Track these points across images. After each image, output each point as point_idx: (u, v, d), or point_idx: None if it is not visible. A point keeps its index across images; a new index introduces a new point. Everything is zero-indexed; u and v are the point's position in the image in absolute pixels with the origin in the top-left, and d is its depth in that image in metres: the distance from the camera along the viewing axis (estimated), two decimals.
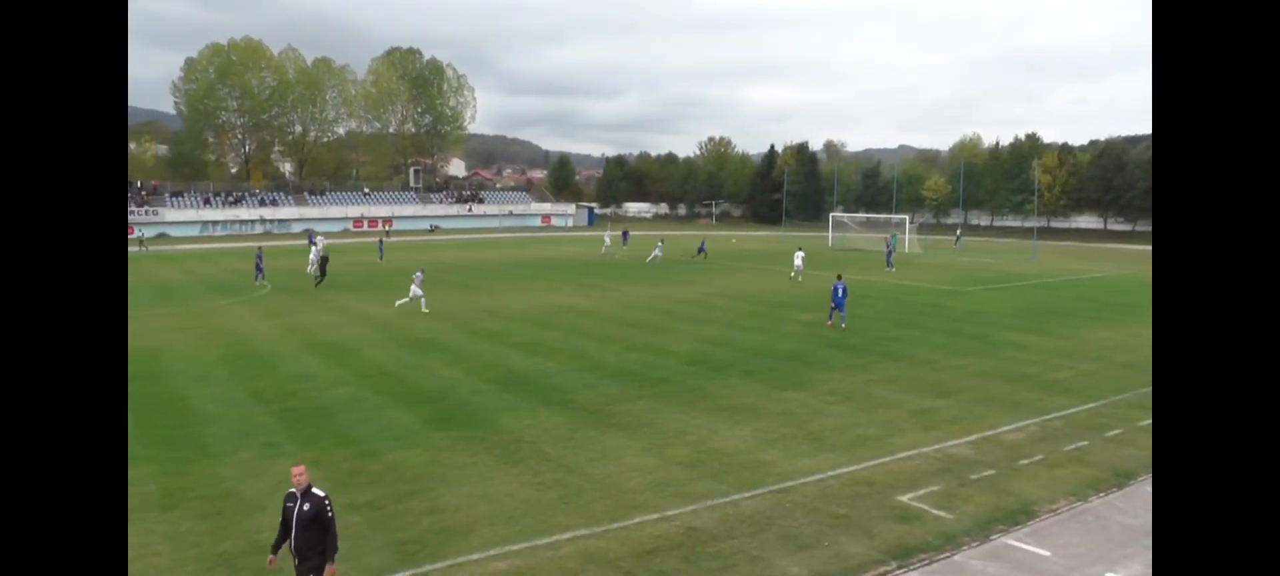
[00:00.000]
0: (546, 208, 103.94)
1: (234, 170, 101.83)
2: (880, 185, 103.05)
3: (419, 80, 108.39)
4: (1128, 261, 56.65)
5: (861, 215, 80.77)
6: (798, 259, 43.80)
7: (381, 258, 52.34)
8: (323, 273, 39.56)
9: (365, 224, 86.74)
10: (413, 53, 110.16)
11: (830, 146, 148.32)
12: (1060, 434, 16.17)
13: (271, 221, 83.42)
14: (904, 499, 12.64)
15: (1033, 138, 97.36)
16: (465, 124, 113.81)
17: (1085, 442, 15.54)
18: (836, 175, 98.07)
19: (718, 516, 11.93)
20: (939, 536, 11.33)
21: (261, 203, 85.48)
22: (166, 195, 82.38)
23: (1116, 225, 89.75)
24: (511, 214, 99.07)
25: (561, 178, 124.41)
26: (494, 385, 19.50)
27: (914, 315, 31.11)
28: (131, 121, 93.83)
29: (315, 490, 8.63)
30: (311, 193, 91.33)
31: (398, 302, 31.75)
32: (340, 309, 31.61)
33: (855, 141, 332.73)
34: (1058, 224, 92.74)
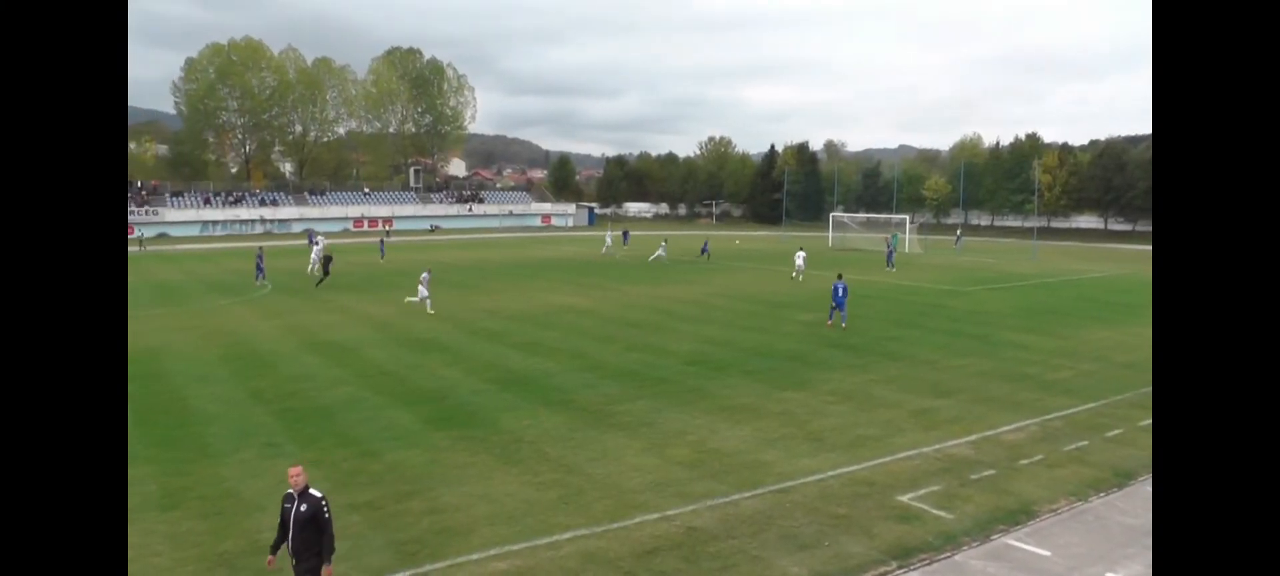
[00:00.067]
0: (547, 207, 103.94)
1: (234, 170, 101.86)
2: (880, 185, 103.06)
3: (419, 80, 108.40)
4: (1128, 261, 56.65)
5: (862, 215, 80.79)
6: (799, 259, 43.84)
7: (383, 257, 52.32)
8: (326, 272, 39.58)
9: (365, 224, 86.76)
10: (413, 52, 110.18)
11: (830, 146, 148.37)
12: (1060, 434, 16.17)
13: (272, 221, 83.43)
14: (904, 499, 12.64)
15: (1033, 138, 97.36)
16: (465, 124, 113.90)
17: (1085, 442, 15.54)
18: (837, 175, 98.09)
19: (718, 516, 11.93)
20: (939, 536, 11.33)
21: (262, 203, 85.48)
22: (166, 195, 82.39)
23: (1117, 225, 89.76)
24: (512, 214, 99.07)
25: (562, 177, 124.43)
26: (494, 385, 19.50)
27: (914, 315, 31.11)
28: (131, 121, 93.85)
29: (312, 491, 8.63)
30: (312, 193, 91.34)
31: (408, 299, 31.99)
32: (341, 309, 31.62)
33: (855, 141, 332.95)
34: (1058, 224, 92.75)
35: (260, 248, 47.10)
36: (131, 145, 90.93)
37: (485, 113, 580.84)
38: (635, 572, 10.24)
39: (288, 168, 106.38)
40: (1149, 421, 16.23)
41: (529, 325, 27.93)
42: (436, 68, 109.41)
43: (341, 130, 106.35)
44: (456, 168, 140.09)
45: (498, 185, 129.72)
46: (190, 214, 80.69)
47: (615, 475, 13.53)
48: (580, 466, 13.92)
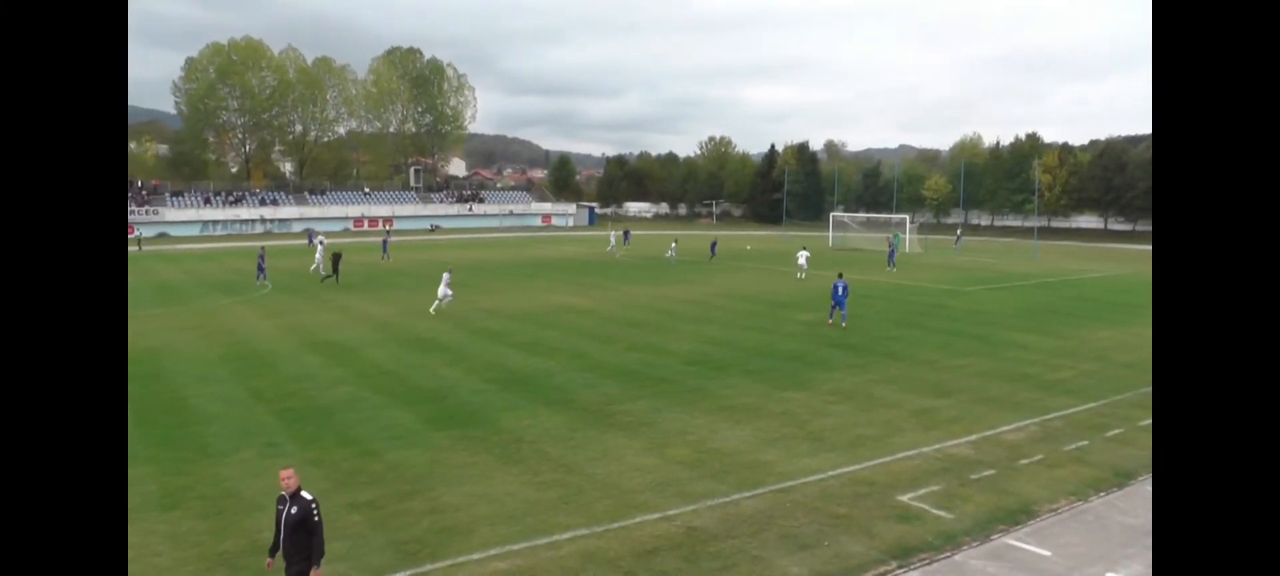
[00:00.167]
0: (547, 207, 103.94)
1: (234, 170, 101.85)
2: (880, 185, 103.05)
3: (419, 80, 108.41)
4: (1128, 261, 56.64)
5: (862, 215, 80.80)
6: (802, 258, 43.94)
7: (386, 257, 52.25)
8: (335, 271, 39.62)
9: (365, 223, 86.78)
10: (413, 52, 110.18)
11: (830, 146, 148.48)
12: (1061, 433, 16.17)
13: (272, 221, 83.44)
14: (904, 499, 12.64)
15: (1033, 137, 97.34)
16: (465, 124, 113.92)
17: (1086, 442, 15.54)
18: (837, 175, 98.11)
19: (718, 516, 11.93)
20: (939, 536, 11.33)
21: (262, 202, 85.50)
22: (167, 195, 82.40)
23: (1117, 225, 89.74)
24: (512, 213, 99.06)
25: (562, 177, 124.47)
26: (494, 385, 19.51)
27: (914, 315, 31.11)
28: (132, 121, 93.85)
29: (304, 493, 8.59)
30: (312, 192, 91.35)
31: (433, 308, 30.82)
32: (341, 309, 31.62)
33: (855, 141, 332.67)
34: (1058, 224, 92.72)
35: (262, 247, 47.11)
36: (132, 145, 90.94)
37: (485, 113, 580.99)
38: (635, 572, 10.24)
39: (288, 167, 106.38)
40: (1149, 421, 16.23)
41: (529, 325, 27.93)
42: (437, 67, 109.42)
43: (341, 130, 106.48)
44: (457, 167, 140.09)
45: (498, 185, 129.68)
46: (190, 214, 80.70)
47: (616, 475, 13.53)
48: (581, 466, 13.92)
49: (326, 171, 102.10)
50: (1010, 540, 11.30)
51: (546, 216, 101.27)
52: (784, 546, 10.98)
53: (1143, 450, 14.80)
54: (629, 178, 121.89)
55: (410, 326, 27.50)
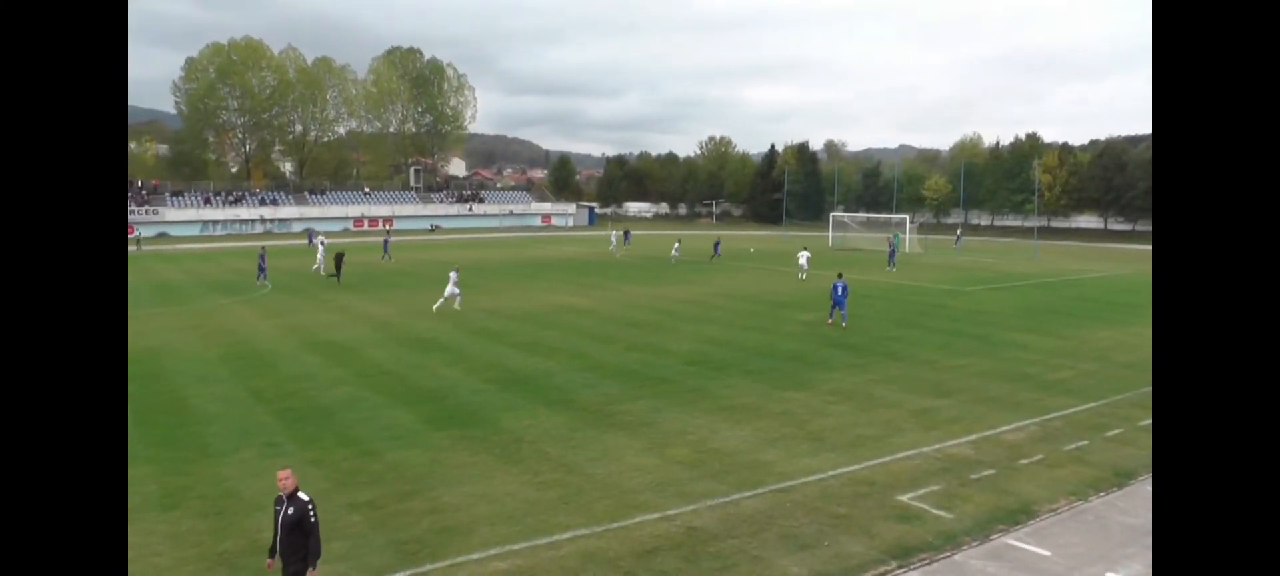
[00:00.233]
0: (547, 207, 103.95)
1: (234, 170, 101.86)
2: (880, 185, 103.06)
3: (419, 80, 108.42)
4: (1128, 261, 56.64)
5: (862, 215, 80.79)
6: (803, 258, 43.99)
7: (389, 257, 52.21)
8: (338, 270, 39.66)
9: (365, 223, 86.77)
10: (413, 52, 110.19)
11: (830, 146, 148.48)
12: (1060, 433, 16.17)
13: (272, 221, 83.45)
14: (904, 498, 12.64)
15: (1033, 137, 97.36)
16: (465, 123, 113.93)
17: (1085, 442, 15.54)
18: (837, 175, 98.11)
19: (718, 516, 11.93)
20: (939, 536, 11.33)
21: (262, 202, 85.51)
22: (167, 195, 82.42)
23: (1117, 225, 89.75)
24: (512, 213, 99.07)
25: (562, 177, 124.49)
26: (494, 385, 19.51)
27: (914, 315, 31.11)
28: (132, 121, 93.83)
29: (300, 494, 8.59)
30: (312, 192, 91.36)
31: (448, 307, 30.97)
32: (341, 309, 31.62)
33: (855, 141, 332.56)
34: (1058, 224, 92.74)
35: (263, 247, 47.11)
36: (131, 145, 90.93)
37: (485, 113, 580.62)
38: (635, 572, 10.24)
39: (288, 167, 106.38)
40: (1149, 421, 16.23)
41: (529, 325, 27.93)
42: (437, 67, 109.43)
43: (342, 130, 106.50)
44: (456, 167, 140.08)
45: (498, 185, 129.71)
46: (190, 213, 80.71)
47: (615, 475, 13.53)
48: (580, 466, 13.92)
49: (326, 171, 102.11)
50: (1010, 540, 11.30)
51: (546, 216, 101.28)
52: (784, 546, 10.98)
53: (1143, 450, 14.80)
54: (629, 178, 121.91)
55: (410, 326, 27.50)
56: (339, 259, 40.57)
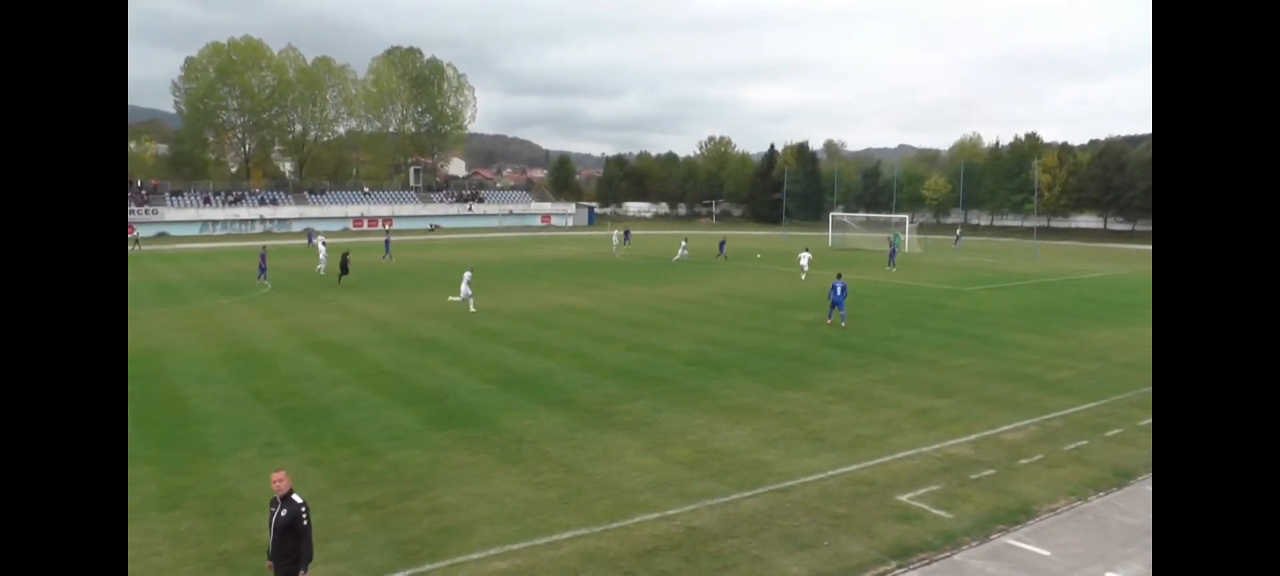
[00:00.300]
0: (547, 207, 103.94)
1: (234, 169, 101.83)
2: (880, 185, 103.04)
3: (419, 80, 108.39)
4: (1128, 261, 56.65)
5: (861, 215, 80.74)
6: (804, 259, 44.03)
7: (390, 257, 52.19)
8: (344, 270, 39.74)
9: (365, 223, 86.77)
10: (413, 52, 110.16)
11: (830, 146, 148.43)
12: (1060, 433, 16.17)
13: (271, 221, 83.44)
14: (904, 498, 12.65)
15: (1033, 137, 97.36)
16: (465, 123, 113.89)
17: (1085, 442, 15.55)
18: (836, 175, 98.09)
19: (718, 516, 11.93)
20: (939, 536, 11.33)
21: (261, 202, 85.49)
22: (166, 194, 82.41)
23: (1116, 225, 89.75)
24: (511, 213, 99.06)
25: (562, 177, 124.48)
26: (494, 385, 19.51)
27: (914, 315, 31.11)
28: (131, 121, 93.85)
29: (294, 497, 8.57)
30: (311, 192, 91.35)
31: (465, 305, 30.97)
32: (341, 309, 31.62)
33: (855, 141, 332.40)
34: (1058, 223, 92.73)
35: (264, 246, 47.11)
36: (131, 144, 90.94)
37: (485, 112, 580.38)
38: (635, 572, 10.25)
39: (288, 167, 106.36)
40: (1149, 421, 16.24)
41: (529, 325, 27.93)
42: (436, 67, 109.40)
43: (341, 130, 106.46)
44: (456, 167, 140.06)
45: (498, 185, 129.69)
46: (190, 213, 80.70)
47: (615, 475, 13.53)
48: (580, 466, 13.93)
49: (326, 171, 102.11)
50: (1010, 540, 11.30)
51: (546, 216, 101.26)
52: (784, 546, 10.98)
53: (1142, 450, 14.80)
54: (629, 177, 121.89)
55: (410, 326, 27.50)
56: (345, 258, 40.68)
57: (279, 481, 8.56)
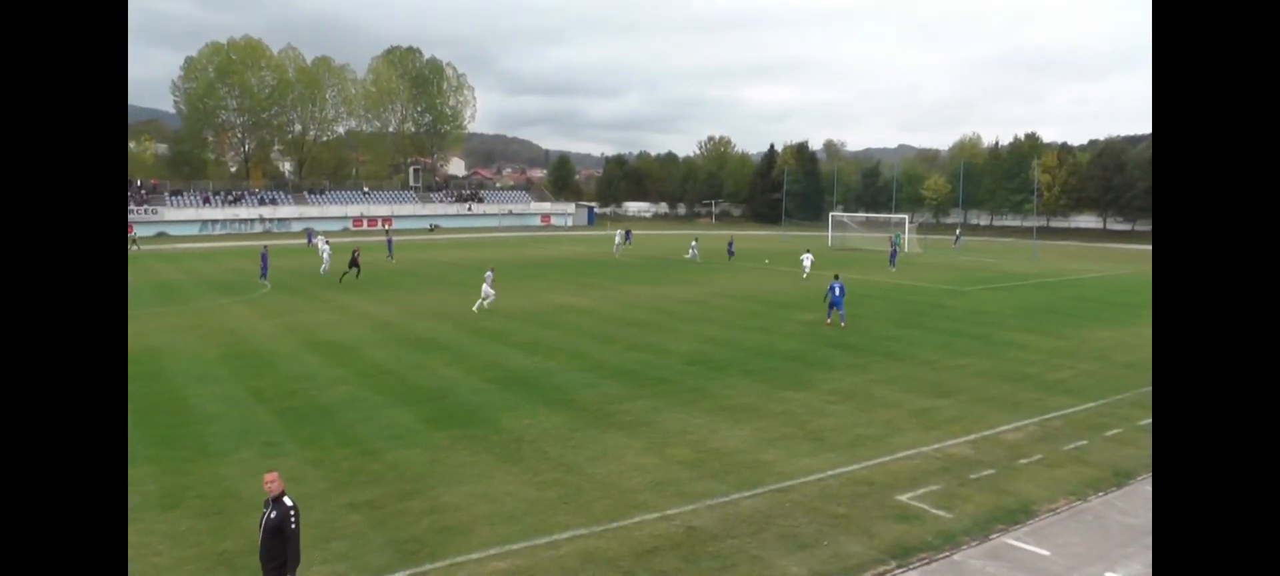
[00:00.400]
0: (546, 207, 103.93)
1: (233, 169, 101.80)
2: (880, 185, 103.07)
3: (419, 79, 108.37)
4: (1128, 261, 56.66)
5: (861, 215, 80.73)
6: (806, 260, 44.05)
7: (391, 257, 52.15)
8: (356, 266, 39.86)
9: (365, 223, 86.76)
10: (413, 52, 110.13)
11: (830, 146, 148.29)
12: (1060, 433, 16.18)
13: (271, 221, 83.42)
14: (904, 498, 12.65)
15: (1033, 137, 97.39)
16: (465, 123, 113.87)
17: (1085, 442, 15.55)
18: (836, 175, 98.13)
19: (718, 516, 11.94)
20: (939, 536, 11.33)
21: (261, 202, 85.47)
22: (166, 194, 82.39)
23: (1116, 225, 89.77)
24: (511, 213, 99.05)
25: (561, 177, 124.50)
26: (494, 384, 19.51)
27: (914, 315, 31.12)
28: (131, 120, 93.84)
29: (285, 499, 8.54)
30: (311, 192, 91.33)
31: (476, 306, 30.77)
32: (341, 308, 31.62)
33: (855, 141, 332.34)
34: (1057, 223, 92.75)
35: (265, 246, 47.09)
36: (131, 144, 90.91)
37: (485, 112, 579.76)
38: (635, 572, 10.25)
39: (287, 167, 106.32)
40: (1149, 421, 16.24)
41: (529, 325, 27.93)
42: (436, 67, 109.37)
43: (341, 129, 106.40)
44: (456, 167, 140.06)
45: (497, 184, 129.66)
46: (190, 213, 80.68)
47: (615, 474, 13.54)
48: (580, 466, 13.93)
49: (326, 171, 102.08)
50: (1009, 540, 11.31)
51: (546, 216, 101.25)
52: (783, 546, 10.98)
53: (1142, 450, 14.81)
54: (628, 177, 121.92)
55: (410, 326, 27.50)
56: (355, 255, 40.84)
57: (271, 482, 8.54)
